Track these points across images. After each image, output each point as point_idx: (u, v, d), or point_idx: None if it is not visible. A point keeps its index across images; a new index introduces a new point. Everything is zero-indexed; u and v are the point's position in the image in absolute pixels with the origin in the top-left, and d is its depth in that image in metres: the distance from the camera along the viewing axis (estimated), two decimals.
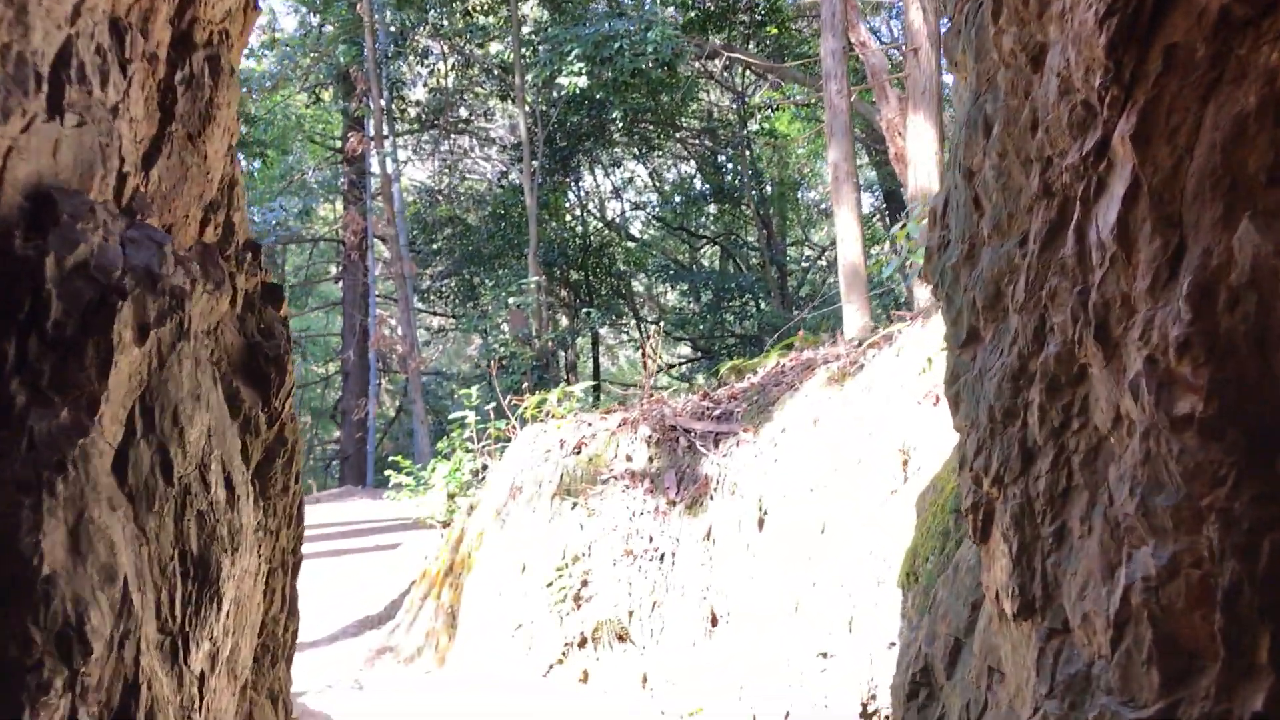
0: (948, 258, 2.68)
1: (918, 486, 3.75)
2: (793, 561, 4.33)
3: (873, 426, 4.21)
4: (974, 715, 2.61)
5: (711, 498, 5.12)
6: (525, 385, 17.32)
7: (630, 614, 5.08)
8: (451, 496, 8.44)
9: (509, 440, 7.58)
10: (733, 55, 15.45)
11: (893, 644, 3.72)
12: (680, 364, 29.74)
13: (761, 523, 4.72)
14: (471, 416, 8.50)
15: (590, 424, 5.92)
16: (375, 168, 21.10)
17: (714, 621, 4.77)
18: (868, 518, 3.99)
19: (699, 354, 27.00)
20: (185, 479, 1.47)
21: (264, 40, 26.23)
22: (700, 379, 28.46)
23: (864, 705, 3.73)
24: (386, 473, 9.52)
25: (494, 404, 8.12)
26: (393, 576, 8.83)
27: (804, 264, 27.37)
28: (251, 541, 1.89)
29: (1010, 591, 2.25)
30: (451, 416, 8.82)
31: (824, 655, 3.94)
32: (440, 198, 24.71)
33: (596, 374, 26.97)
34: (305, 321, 33.09)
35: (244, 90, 23.45)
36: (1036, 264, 2.22)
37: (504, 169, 24.85)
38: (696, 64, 21.29)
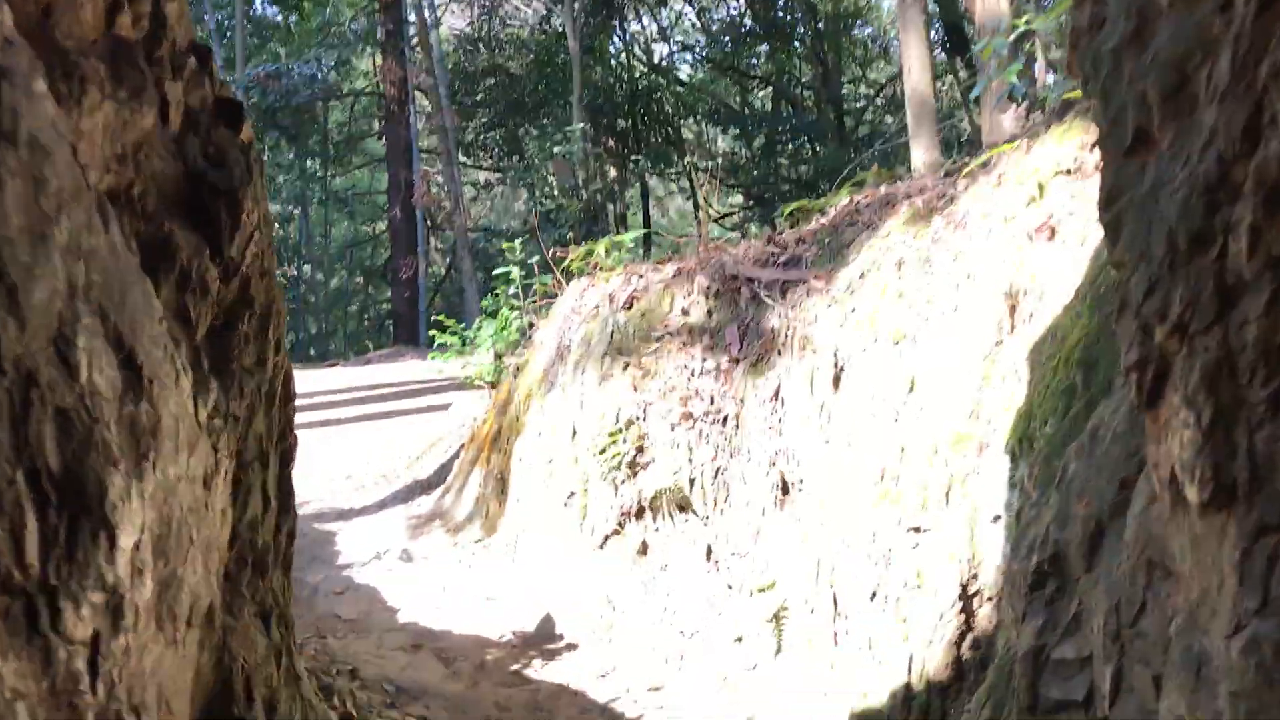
0: (1104, 40, 2.06)
1: (1030, 336, 3.19)
2: (876, 424, 3.82)
3: (971, 267, 3.63)
4: (1127, 617, 2.12)
5: (779, 354, 4.59)
6: (573, 239, 16.75)
7: (691, 482, 4.64)
8: (499, 356, 8.01)
9: (556, 297, 7.09)
10: None
11: (998, 517, 3.23)
12: (733, 213, 28.86)
13: (837, 380, 4.20)
14: (516, 272, 8.00)
15: (642, 275, 5.37)
16: (413, 15, 20.19)
17: (785, 490, 4.31)
18: (966, 373, 3.45)
19: (752, 202, 26.10)
20: (27, 362, 0.98)
21: None
22: (754, 229, 27.67)
23: (963, 586, 3.27)
24: (432, 333, 9.12)
25: (538, 258, 7.59)
26: (443, 439, 8.52)
27: (859, 103, 26.02)
28: (193, 436, 1.41)
29: (1197, 473, 1.72)
30: (495, 273, 8.33)
31: (915, 529, 3.46)
32: (481, 46, 23.72)
33: (647, 225, 26.30)
34: (352, 180, 32.53)
35: None
36: (1250, 32, 1.61)
37: (546, 12, 23.74)
38: None
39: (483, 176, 27.69)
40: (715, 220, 29.24)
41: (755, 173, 21.98)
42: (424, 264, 21.74)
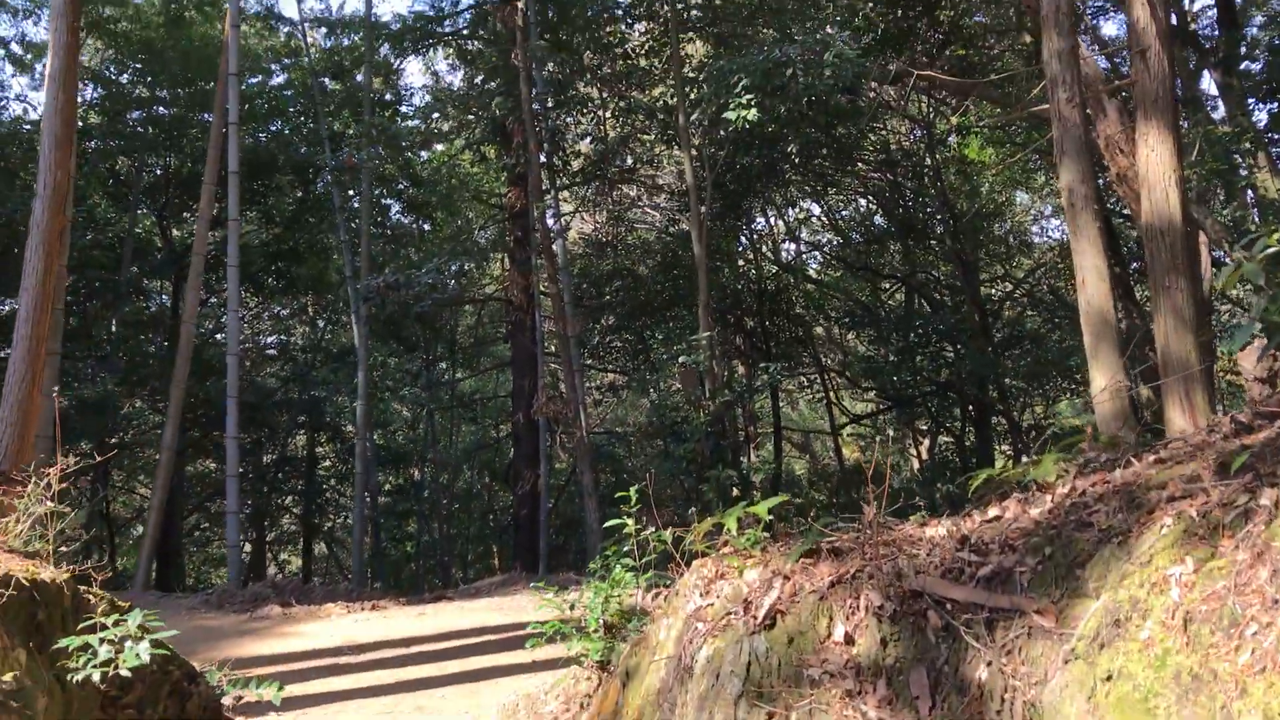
0: None
1: None
2: None
3: None
4: None
5: None
6: (698, 453, 15.68)
7: None
8: (609, 629, 6.75)
9: (670, 559, 5.89)
10: (923, 74, 13.45)
11: None
12: (868, 417, 27.42)
13: None
14: (631, 525, 6.82)
15: (788, 577, 4.11)
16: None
17: None
18: None
19: (889, 403, 24.69)
20: None
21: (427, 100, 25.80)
22: (891, 431, 26.04)
23: None
24: (535, 598, 7.91)
25: (652, 531, 6.40)
26: None
27: (996, 296, 24.61)
28: None
29: None
30: (606, 525, 7.17)
31: None
32: (608, 250, 23.54)
33: (777, 428, 25.15)
34: (479, 383, 32.39)
35: (404, 147, 22.84)
36: None
37: (672, 216, 23.53)
38: (872, 93, 19.42)
39: (608, 378, 27.13)
40: (850, 422, 27.89)
41: (895, 378, 20.64)
42: (546, 468, 20.86)
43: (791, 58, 13.59)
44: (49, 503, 4.86)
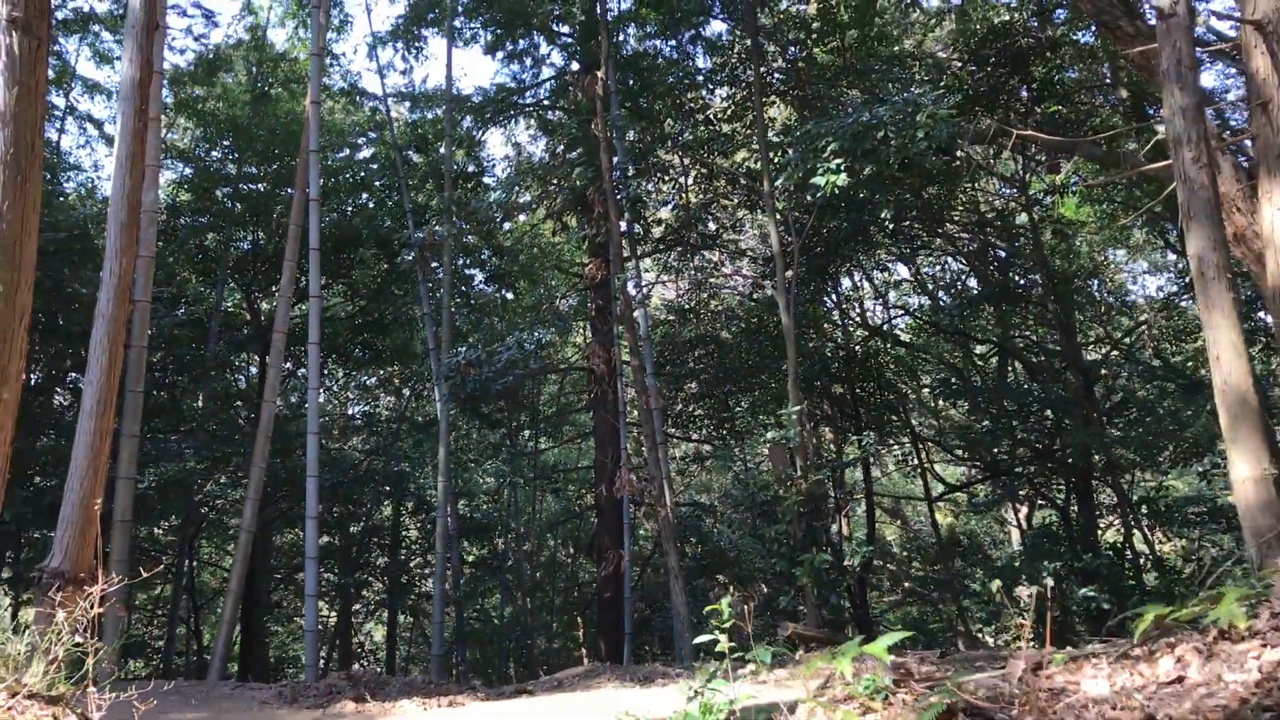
0: None
1: None
2: None
3: None
4: None
5: None
6: (792, 535, 14.89)
7: None
8: None
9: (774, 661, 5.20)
10: (1023, 134, 12.73)
11: None
12: (964, 487, 26.26)
13: None
14: (725, 641, 6.16)
15: None
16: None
17: None
18: None
19: (986, 473, 23.52)
20: None
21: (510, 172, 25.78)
22: (984, 491, 24.55)
23: None
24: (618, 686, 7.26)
25: (766, 651, 5.74)
26: None
27: (1096, 364, 23.39)
28: None
29: None
30: (697, 641, 6.51)
31: None
32: (691, 317, 23.03)
33: (870, 503, 24.10)
34: (565, 452, 31.89)
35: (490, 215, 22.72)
36: None
37: (756, 280, 22.98)
38: (961, 152, 18.72)
39: (692, 448, 26.46)
40: (947, 491, 26.62)
41: (996, 450, 19.59)
42: (629, 542, 20.19)
43: (882, 119, 13.01)
44: (78, 635, 4.38)
